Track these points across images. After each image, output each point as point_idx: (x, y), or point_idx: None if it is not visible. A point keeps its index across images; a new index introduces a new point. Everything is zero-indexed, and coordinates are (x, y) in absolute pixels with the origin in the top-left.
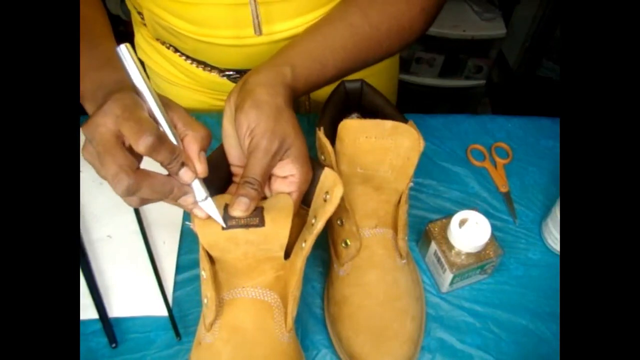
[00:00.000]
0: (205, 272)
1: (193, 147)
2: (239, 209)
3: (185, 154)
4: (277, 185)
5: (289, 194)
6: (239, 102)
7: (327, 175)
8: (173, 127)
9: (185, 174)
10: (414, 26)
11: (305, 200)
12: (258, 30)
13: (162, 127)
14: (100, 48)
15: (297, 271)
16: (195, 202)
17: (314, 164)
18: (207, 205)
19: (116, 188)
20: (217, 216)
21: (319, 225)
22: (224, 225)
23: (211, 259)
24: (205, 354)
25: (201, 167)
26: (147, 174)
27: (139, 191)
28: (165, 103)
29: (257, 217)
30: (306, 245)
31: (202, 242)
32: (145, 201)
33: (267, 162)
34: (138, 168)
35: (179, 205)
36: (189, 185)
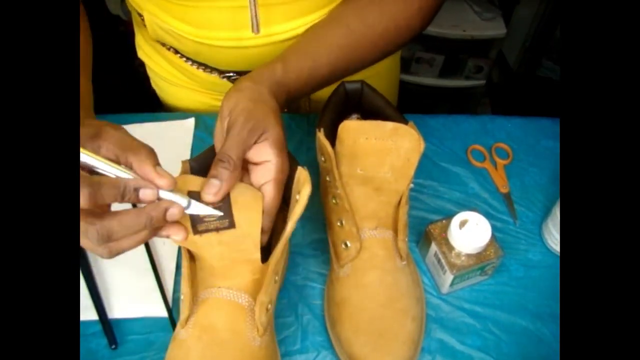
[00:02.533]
0: (184, 269)
1: (145, 167)
2: (209, 192)
3: (142, 176)
4: (254, 175)
5: (264, 184)
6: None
7: (299, 175)
8: (110, 159)
9: (144, 195)
10: (412, 25)
11: (286, 200)
12: (256, 29)
13: (98, 169)
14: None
15: (268, 275)
16: (181, 214)
17: (292, 159)
18: (195, 210)
19: (86, 242)
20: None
21: (288, 227)
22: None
23: (192, 257)
24: (178, 350)
25: (163, 181)
26: (114, 214)
27: (113, 233)
28: (96, 134)
29: (226, 218)
30: (278, 248)
31: (179, 244)
32: (118, 246)
33: (242, 138)
34: (106, 212)
35: (173, 232)
36: (164, 202)
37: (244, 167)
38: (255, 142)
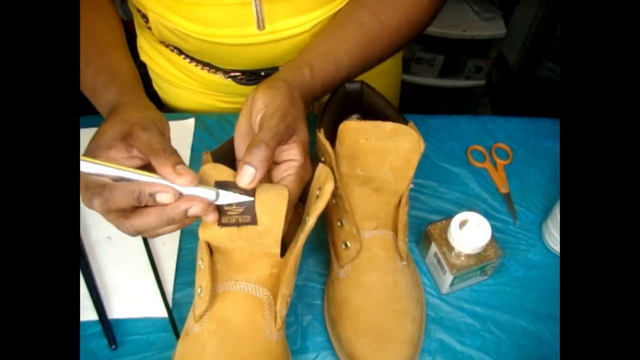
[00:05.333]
0: (202, 262)
1: (164, 169)
2: (244, 180)
3: (164, 178)
4: (276, 171)
5: (286, 177)
6: (257, 88)
7: (320, 171)
8: (139, 165)
9: (161, 199)
10: (423, 19)
11: (302, 198)
12: (262, 25)
13: (117, 176)
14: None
15: (288, 269)
16: (205, 209)
17: (312, 160)
18: (224, 200)
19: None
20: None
21: (310, 222)
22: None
23: (210, 250)
24: (192, 345)
25: (183, 180)
26: (140, 213)
27: (140, 231)
28: (128, 134)
29: (249, 214)
30: (298, 243)
31: (200, 236)
32: (152, 234)
33: (279, 130)
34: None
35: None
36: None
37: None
38: (286, 142)
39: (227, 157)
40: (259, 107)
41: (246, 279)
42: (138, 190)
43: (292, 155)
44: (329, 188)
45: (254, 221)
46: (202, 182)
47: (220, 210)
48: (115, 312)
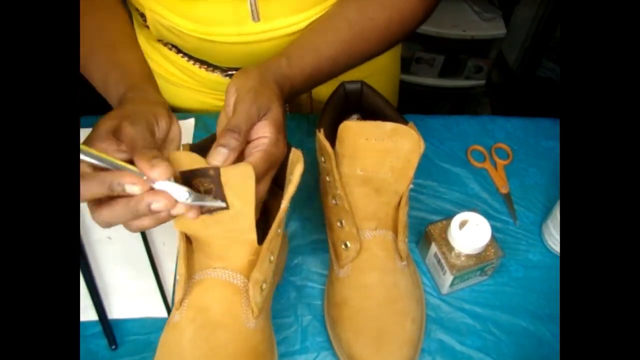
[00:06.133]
0: (180, 249)
1: (140, 160)
2: (217, 159)
3: (138, 169)
4: (247, 149)
5: (254, 153)
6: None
7: (292, 155)
8: (125, 158)
9: (131, 190)
10: (416, 15)
11: (281, 185)
12: (256, 17)
13: (96, 162)
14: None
15: (263, 253)
16: (169, 206)
17: (289, 145)
18: (195, 201)
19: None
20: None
21: (282, 205)
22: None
23: (188, 240)
24: (171, 333)
25: (155, 171)
26: (109, 203)
27: (108, 222)
28: (116, 129)
29: (218, 198)
30: (273, 226)
31: (175, 226)
32: (130, 227)
33: (251, 112)
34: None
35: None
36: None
37: None
38: (258, 121)
39: (207, 151)
40: (231, 92)
41: (224, 267)
42: (109, 180)
43: (262, 133)
44: (297, 171)
45: (225, 205)
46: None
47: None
48: (115, 312)
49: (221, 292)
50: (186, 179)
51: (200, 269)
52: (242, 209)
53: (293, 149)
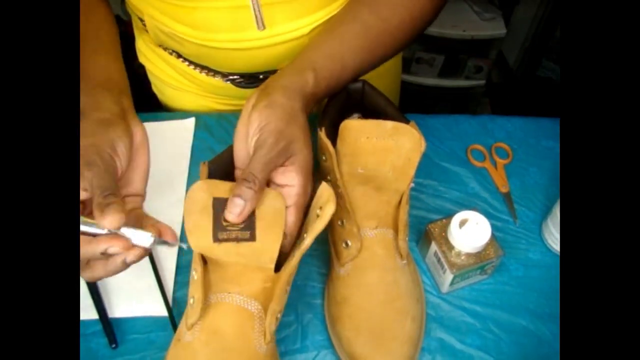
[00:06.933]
0: (196, 273)
1: (95, 211)
2: (233, 212)
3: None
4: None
5: (286, 209)
6: (256, 102)
7: (323, 190)
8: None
9: (112, 251)
10: (425, 15)
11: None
12: (261, 25)
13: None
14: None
15: (280, 285)
16: (125, 249)
17: (314, 176)
18: (159, 245)
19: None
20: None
21: (307, 241)
22: (216, 239)
23: (204, 259)
24: (183, 352)
25: (106, 221)
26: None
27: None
28: (86, 164)
29: (248, 230)
30: (293, 260)
31: (193, 248)
32: (92, 274)
33: (269, 159)
34: None
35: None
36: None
37: (267, 184)
38: (282, 165)
39: (226, 165)
40: (255, 129)
41: (239, 292)
42: (101, 248)
43: (289, 180)
44: (329, 210)
45: (253, 238)
46: (187, 205)
47: (218, 225)
48: (115, 310)
49: (235, 318)
50: (219, 205)
51: (215, 292)
52: (268, 245)
53: (324, 184)
